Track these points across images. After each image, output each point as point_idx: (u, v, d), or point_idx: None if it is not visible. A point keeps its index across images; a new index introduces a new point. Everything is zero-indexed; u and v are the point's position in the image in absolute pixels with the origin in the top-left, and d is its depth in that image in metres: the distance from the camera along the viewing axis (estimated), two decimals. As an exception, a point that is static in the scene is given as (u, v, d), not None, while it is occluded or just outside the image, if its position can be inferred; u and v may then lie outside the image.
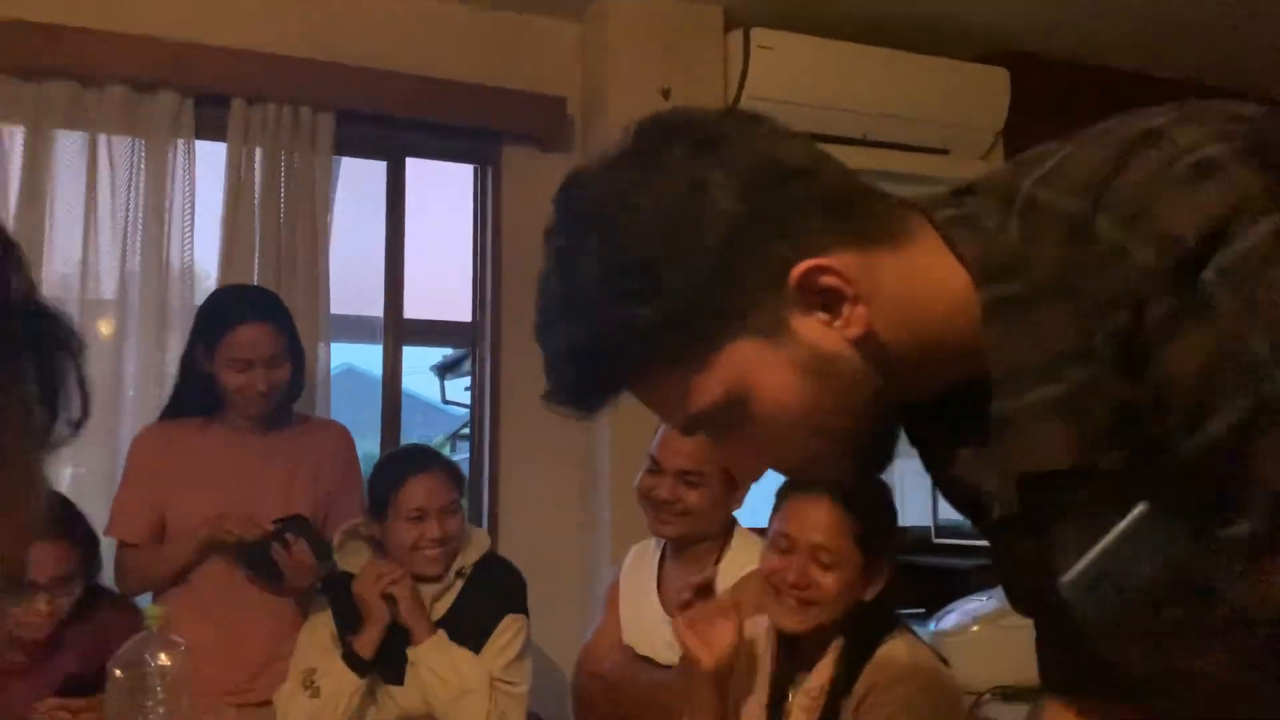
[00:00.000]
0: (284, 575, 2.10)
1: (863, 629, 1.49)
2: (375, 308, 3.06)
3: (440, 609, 2.08)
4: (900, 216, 0.76)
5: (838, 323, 0.72)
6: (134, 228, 2.63)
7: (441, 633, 2.03)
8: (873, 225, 0.74)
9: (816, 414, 0.74)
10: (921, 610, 2.91)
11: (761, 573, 1.55)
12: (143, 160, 2.62)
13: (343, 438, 2.38)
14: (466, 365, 6.62)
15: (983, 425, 0.74)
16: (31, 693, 1.78)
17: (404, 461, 2.14)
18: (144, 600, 2.15)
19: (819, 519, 1.50)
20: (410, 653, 2.00)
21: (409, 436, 3.38)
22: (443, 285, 3.42)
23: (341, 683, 1.98)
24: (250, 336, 2.14)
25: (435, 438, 8.58)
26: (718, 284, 0.72)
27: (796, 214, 0.73)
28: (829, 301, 0.72)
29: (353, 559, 2.12)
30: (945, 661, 1.59)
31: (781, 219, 0.72)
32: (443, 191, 3.31)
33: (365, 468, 2.38)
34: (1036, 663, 0.96)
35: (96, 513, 2.22)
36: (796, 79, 2.95)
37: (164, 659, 1.54)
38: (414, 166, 3.09)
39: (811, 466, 0.82)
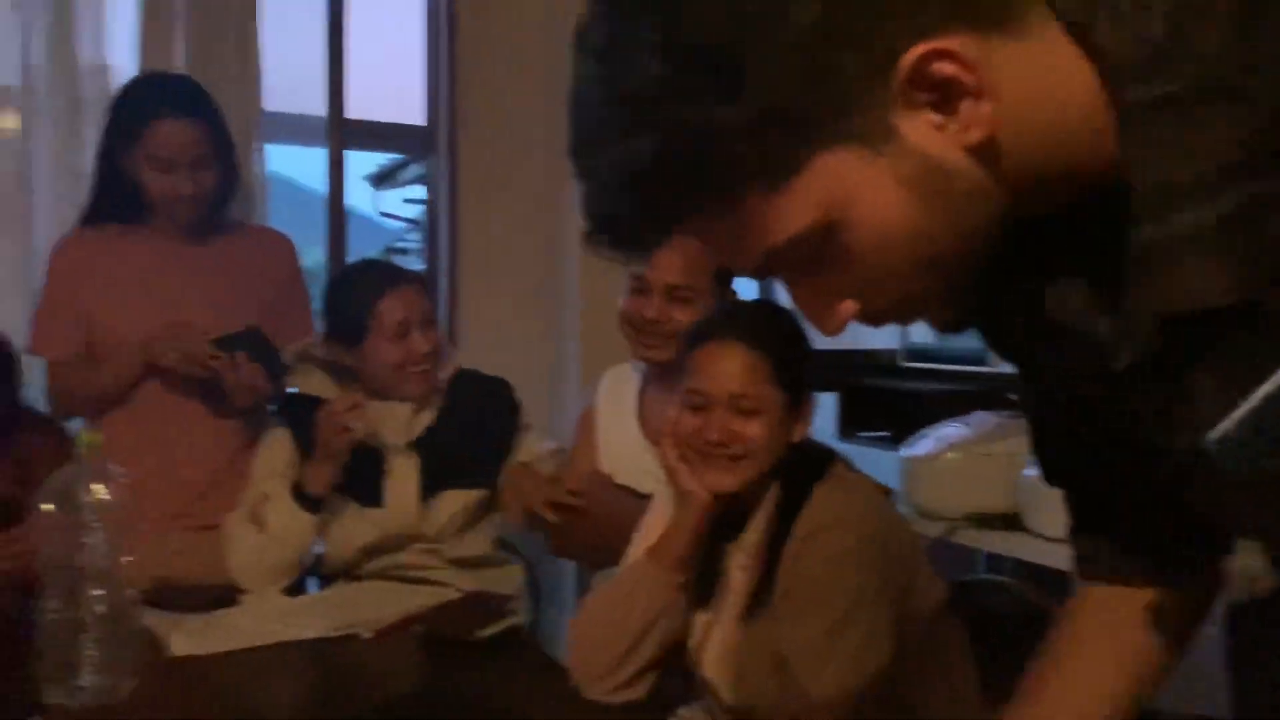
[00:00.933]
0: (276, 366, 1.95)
1: (795, 473, 1.38)
2: (315, 107, 2.78)
3: (419, 427, 1.96)
4: None
5: (954, 125, 0.58)
6: (39, 16, 2.31)
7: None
8: (988, 5, 0.59)
9: (924, 240, 0.60)
10: (887, 434, 2.86)
11: (679, 437, 1.42)
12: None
13: (284, 246, 2.19)
14: (403, 175, 6.34)
15: (1101, 257, 0.61)
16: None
17: (374, 275, 1.96)
18: (77, 426, 1.99)
19: (732, 367, 1.38)
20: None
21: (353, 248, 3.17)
22: (390, 84, 3.13)
23: (292, 519, 1.85)
24: (172, 133, 1.91)
25: (369, 252, 8.31)
26: (809, 77, 0.56)
27: None
28: (942, 99, 0.58)
29: (305, 380, 1.97)
30: (888, 492, 1.51)
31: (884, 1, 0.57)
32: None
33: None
34: (1073, 552, 0.89)
35: (10, 324, 2.02)
36: None
37: (101, 492, 1.38)
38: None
39: (908, 309, 0.67)
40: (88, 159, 2.26)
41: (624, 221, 0.61)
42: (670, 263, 1.74)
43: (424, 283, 2.05)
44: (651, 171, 0.58)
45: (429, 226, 2.97)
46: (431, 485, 1.94)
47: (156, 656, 1.55)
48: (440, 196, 2.90)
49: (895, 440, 2.81)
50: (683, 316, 1.74)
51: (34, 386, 2.00)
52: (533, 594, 2.21)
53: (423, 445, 1.95)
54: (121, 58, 2.46)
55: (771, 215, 0.60)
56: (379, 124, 2.96)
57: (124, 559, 1.42)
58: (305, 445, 1.90)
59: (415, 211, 6.45)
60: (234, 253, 2.09)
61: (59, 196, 2.35)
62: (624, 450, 1.90)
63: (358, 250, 3.31)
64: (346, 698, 1.47)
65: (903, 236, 0.60)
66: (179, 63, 2.44)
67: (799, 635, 1.27)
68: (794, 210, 0.59)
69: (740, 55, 0.55)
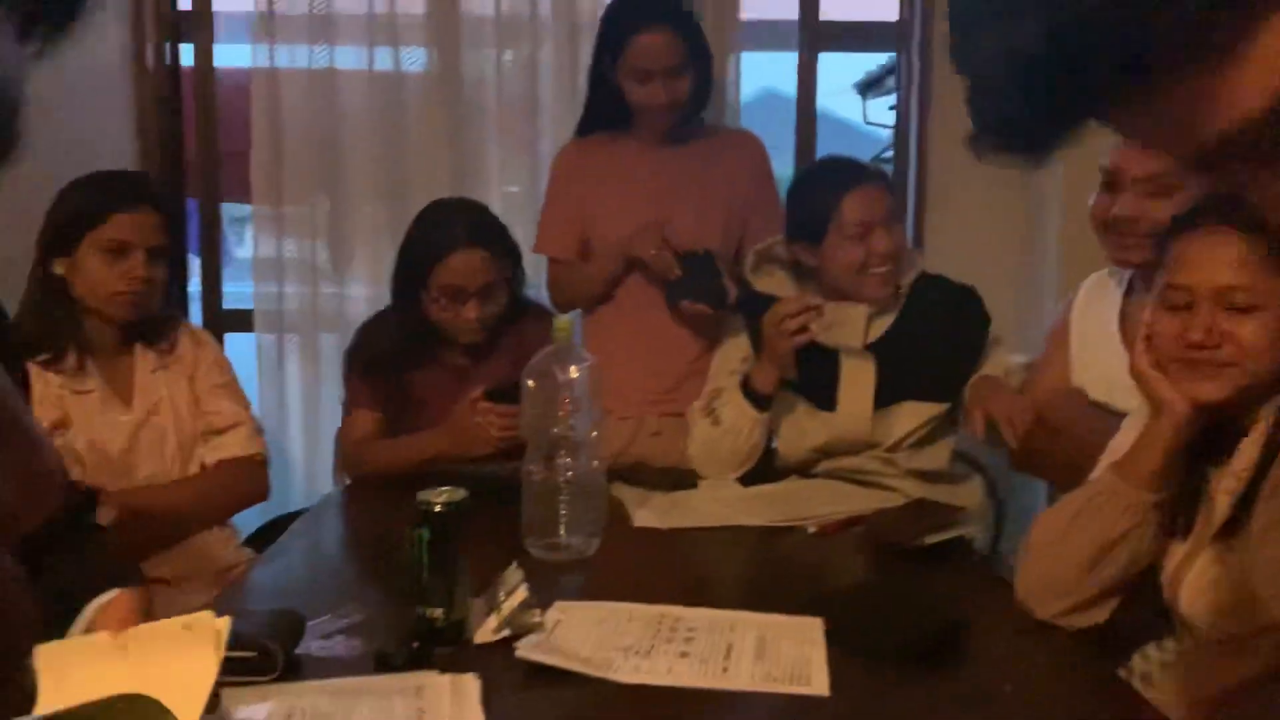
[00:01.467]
0: (715, 296, 2.04)
1: None
2: (790, 11, 2.78)
3: (876, 330, 1.93)
4: None
5: None
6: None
7: None
8: None
9: None
10: None
11: (1154, 341, 1.21)
12: None
13: (755, 148, 2.25)
14: (891, 83, 6.19)
15: None
16: (472, 392, 1.90)
17: (837, 174, 1.94)
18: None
19: (1224, 254, 1.15)
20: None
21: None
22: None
23: (741, 414, 1.91)
24: (649, 45, 2.02)
25: (856, 162, 8.24)
26: None
27: None
28: None
29: (767, 280, 2.01)
30: None
31: None
32: None
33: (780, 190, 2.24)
34: None
35: (524, 228, 2.29)
36: None
37: (572, 371, 1.53)
38: None
39: None
40: (582, 74, 2.48)
41: (1022, 117, 0.49)
42: (1140, 152, 1.51)
43: (889, 182, 1.99)
44: (1058, 53, 0.45)
45: (898, 123, 2.87)
46: (888, 393, 1.90)
47: (620, 525, 1.70)
48: (911, 92, 2.78)
49: None
50: (1160, 213, 1.51)
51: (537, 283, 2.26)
52: (995, 512, 2.10)
53: (880, 349, 1.92)
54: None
55: (1218, 92, 0.45)
56: (851, 23, 2.89)
57: (593, 434, 1.57)
58: (759, 342, 1.94)
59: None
60: (709, 155, 2.19)
61: (561, 113, 2.60)
62: (1101, 365, 1.71)
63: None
64: (782, 586, 1.51)
65: None
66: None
67: (1267, 557, 1.06)
68: (1248, 85, 0.45)
69: None
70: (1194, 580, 1.20)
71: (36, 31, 0.44)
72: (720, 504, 1.84)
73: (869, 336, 1.92)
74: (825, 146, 2.97)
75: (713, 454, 1.95)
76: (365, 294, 2.66)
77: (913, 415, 1.90)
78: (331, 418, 2.37)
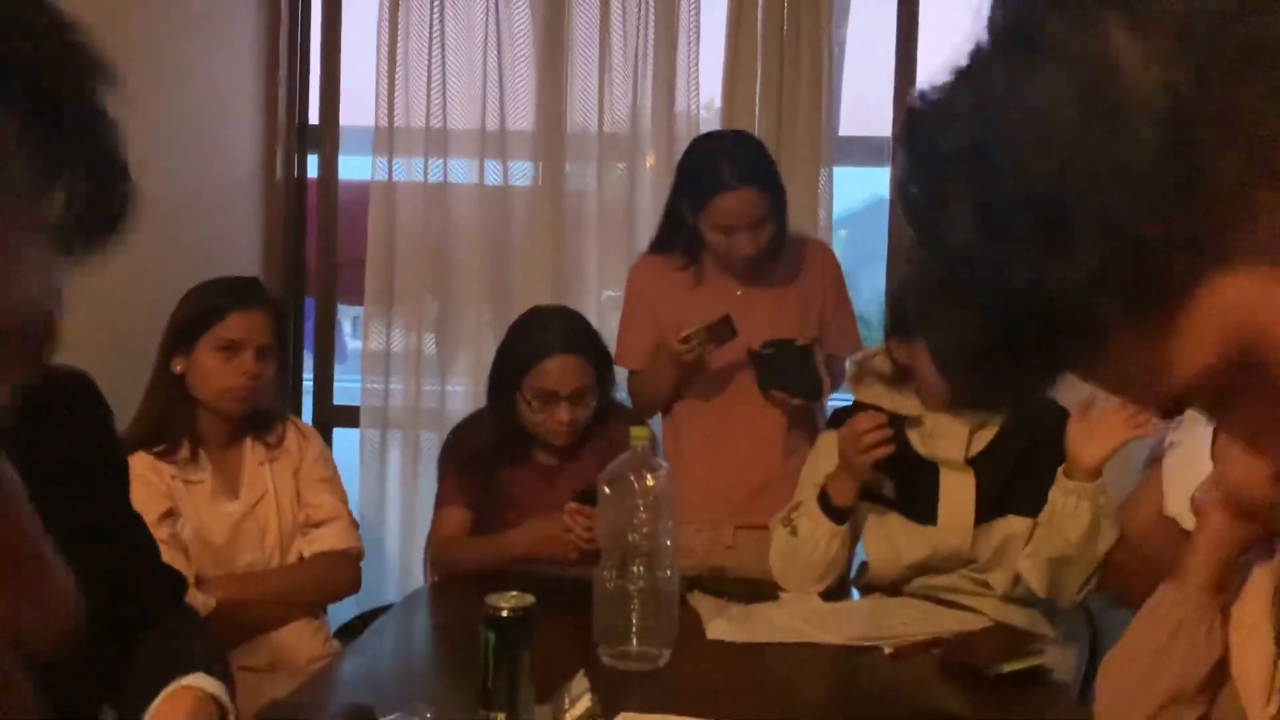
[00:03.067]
0: (808, 388, 2.06)
1: None
2: (883, 128, 2.85)
3: (978, 444, 1.90)
4: None
5: None
6: (644, 64, 2.68)
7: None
8: None
9: None
10: None
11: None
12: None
13: (828, 257, 2.28)
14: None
15: None
16: (560, 493, 1.95)
17: None
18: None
19: None
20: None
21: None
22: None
23: (817, 526, 1.91)
24: (734, 203, 2.06)
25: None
26: (1173, 203, 0.45)
27: (1269, 71, 0.44)
28: None
29: (864, 389, 2.01)
30: None
31: (1246, 84, 0.44)
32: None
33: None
34: None
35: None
36: None
37: (648, 479, 1.56)
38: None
39: None
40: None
41: (991, 386, 0.54)
42: None
43: None
44: (1014, 338, 0.50)
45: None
46: (988, 507, 1.88)
47: (694, 636, 1.71)
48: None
49: None
50: None
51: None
52: (1090, 642, 2.03)
53: (980, 463, 1.90)
54: (710, 96, 2.75)
55: (1166, 356, 0.49)
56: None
57: (668, 543, 1.59)
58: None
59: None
60: (784, 275, 2.21)
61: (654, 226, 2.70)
62: (1190, 489, 1.66)
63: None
64: (855, 708, 1.49)
65: None
66: (757, 105, 2.65)
67: None
68: (1191, 349, 0.48)
69: (1084, 196, 0.46)
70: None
71: (78, 243, 0.50)
72: (797, 618, 1.82)
73: (970, 450, 1.90)
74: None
75: (790, 566, 1.95)
76: (465, 392, 2.77)
77: (1011, 528, 1.86)
78: (427, 513, 2.44)
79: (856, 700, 1.54)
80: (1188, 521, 1.66)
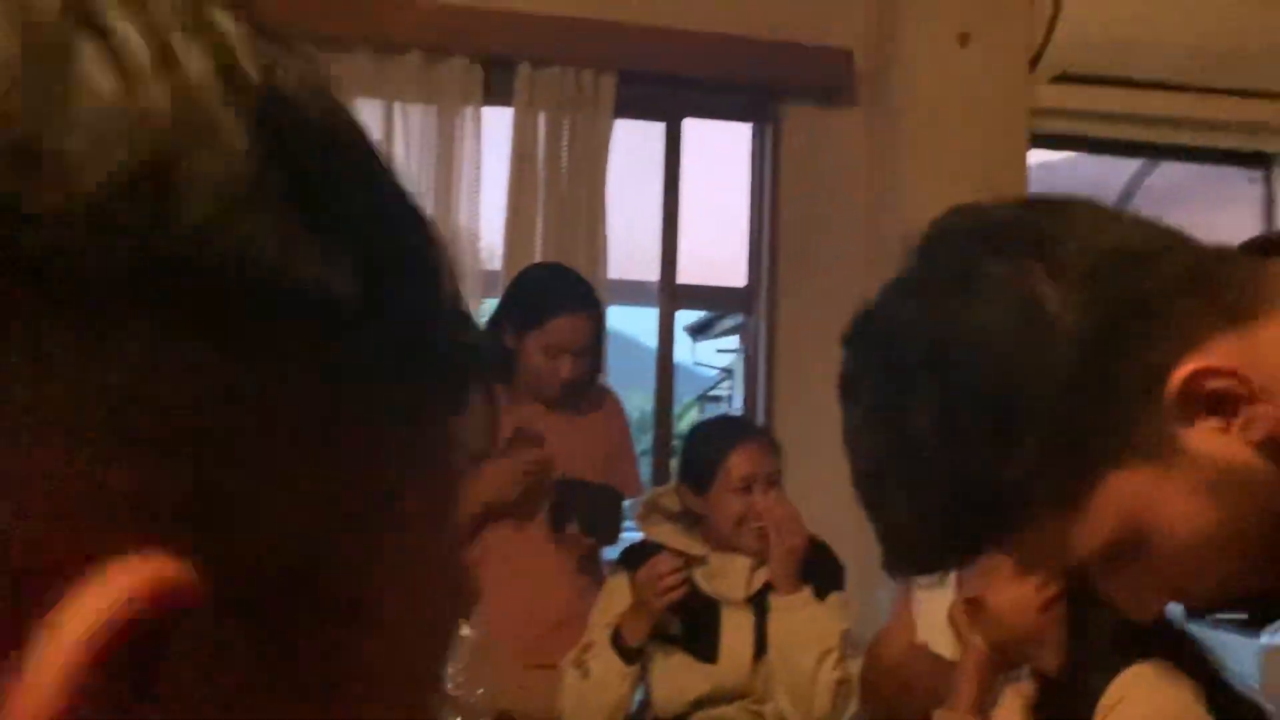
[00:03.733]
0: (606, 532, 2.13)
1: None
2: (649, 273, 3.02)
3: (756, 583, 2.01)
4: (1264, 274, 0.61)
5: (1235, 428, 0.59)
6: (430, 191, 2.71)
7: (807, 589, 1.96)
8: (1239, 296, 0.60)
9: (1234, 536, 0.61)
10: (1244, 618, 2.57)
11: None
12: (434, 127, 2.69)
13: (618, 410, 2.38)
14: (718, 327, 6.65)
15: None
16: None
17: (726, 431, 2.08)
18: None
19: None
20: (773, 600, 1.95)
21: (679, 397, 3.35)
22: (716, 249, 3.34)
23: (609, 668, 1.94)
24: (569, 327, 2.13)
25: (686, 398, 8.77)
26: (1085, 415, 0.59)
27: (1155, 310, 0.59)
28: (1218, 404, 0.58)
29: (653, 529, 2.09)
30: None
31: (1140, 321, 0.59)
32: (720, 150, 3.22)
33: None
34: None
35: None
36: (1118, 13, 2.62)
37: (464, 629, 1.54)
38: (691, 127, 3.01)
39: (1228, 587, 0.66)
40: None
41: (922, 558, 0.66)
42: None
43: (775, 442, 2.11)
44: (945, 520, 0.61)
45: (747, 384, 3.10)
46: (765, 643, 1.97)
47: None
48: (759, 352, 3.03)
49: (1256, 625, 2.53)
50: None
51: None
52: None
53: (759, 601, 1.99)
54: (491, 230, 2.82)
55: (1071, 534, 0.61)
56: (704, 286, 3.16)
57: (478, 690, 1.57)
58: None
59: (727, 360, 6.73)
60: (577, 415, 2.27)
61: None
62: (938, 617, 1.86)
63: (676, 398, 3.55)
64: None
65: (1209, 537, 0.60)
66: (538, 234, 2.75)
67: None
68: (1091, 530, 0.61)
69: (1010, 409, 0.58)
70: None
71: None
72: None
73: (750, 589, 2.00)
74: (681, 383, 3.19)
75: (582, 708, 1.95)
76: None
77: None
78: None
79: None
80: (938, 647, 1.86)
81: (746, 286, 3.09)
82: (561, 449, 2.23)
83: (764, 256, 3.01)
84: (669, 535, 2.07)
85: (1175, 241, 0.62)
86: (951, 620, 1.47)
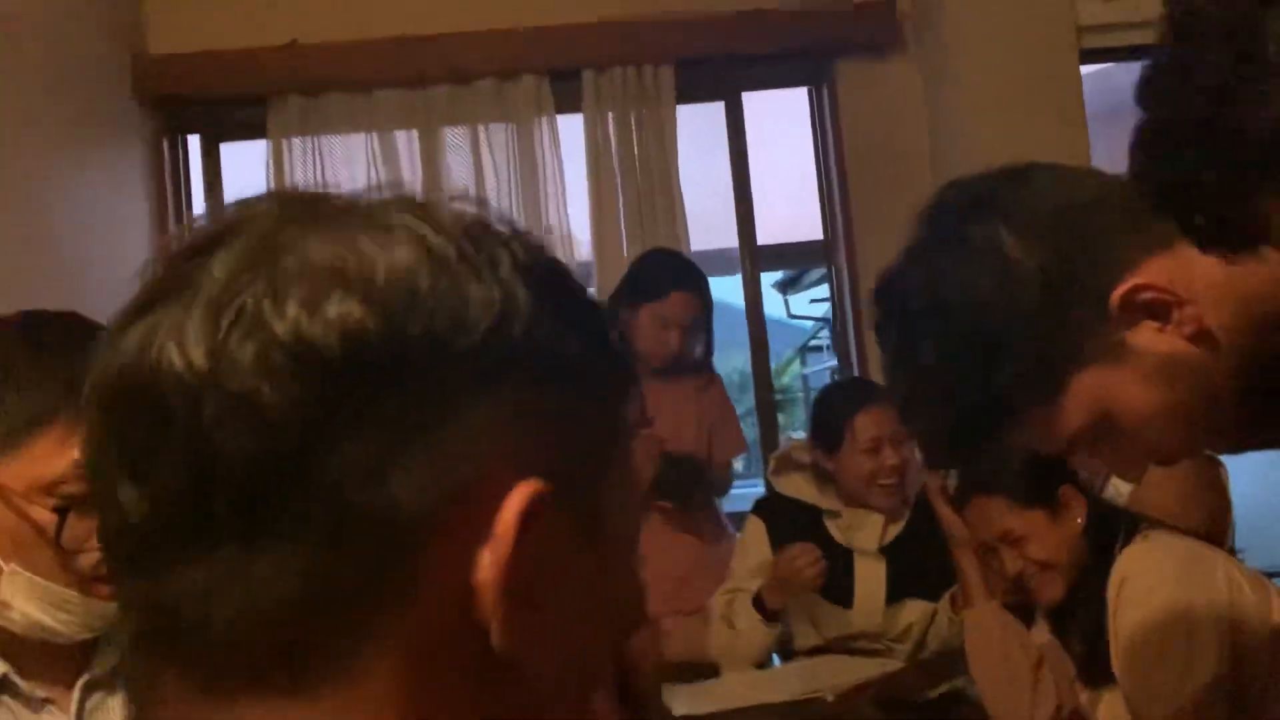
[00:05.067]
0: (693, 497, 2.35)
1: (1095, 554, 1.47)
2: (731, 239, 3.22)
3: (889, 535, 2.16)
4: None
5: (1169, 327, 0.76)
6: (516, 202, 2.95)
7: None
8: (1166, 225, 0.74)
9: (1180, 409, 0.78)
10: None
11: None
12: (515, 141, 2.93)
13: (717, 382, 2.59)
14: (807, 279, 6.75)
15: None
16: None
17: (852, 392, 2.24)
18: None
19: (990, 512, 1.56)
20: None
21: (774, 353, 3.54)
22: (792, 208, 3.51)
23: (753, 626, 2.11)
24: (683, 302, 2.39)
25: (786, 352, 8.89)
26: (1049, 334, 0.77)
27: (1096, 244, 0.77)
28: (1155, 311, 0.76)
29: (786, 481, 2.25)
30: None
31: (1084, 255, 0.77)
32: (780, 116, 3.38)
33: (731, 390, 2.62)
34: None
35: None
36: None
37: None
38: (750, 100, 3.18)
39: (1191, 448, 0.85)
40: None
41: (949, 452, 0.89)
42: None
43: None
44: (956, 425, 0.83)
45: (836, 333, 3.27)
46: (897, 591, 2.12)
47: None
48: (845, 301, 3.20)
49: None
50: None
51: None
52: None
53: (891, 552, 2.14)
54: (579, 226, 3.05)
55: (1054, 422, 0.81)
56: (784, 245, 3.34)
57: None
58: (779, 542, 2.16)
59: (822, 309, 6.85)
60: (687, 391, 2.50)
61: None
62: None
63: (774, 351, 3.72)
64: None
65: (1161, 414, 0.78)
66: (621, 223, 2.97)
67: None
68: (1069, 417, 0.80)
69: (992, 340, 0.78)
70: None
71: None
72: (745, 685, 2.06)
73: (883, 540, 2.15)
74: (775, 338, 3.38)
75: (732, 654, 2.15)
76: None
77: (915, 611, 2.12)
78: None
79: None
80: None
81: (824, 240, 3.26)
82: (666, 419, 2.46)
83: (837, 208, 3.17)
84: (801, 488, 2.23)
85: (1115, 187, 0.80)
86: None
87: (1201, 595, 1.34)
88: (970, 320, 0.79)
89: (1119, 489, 1.82)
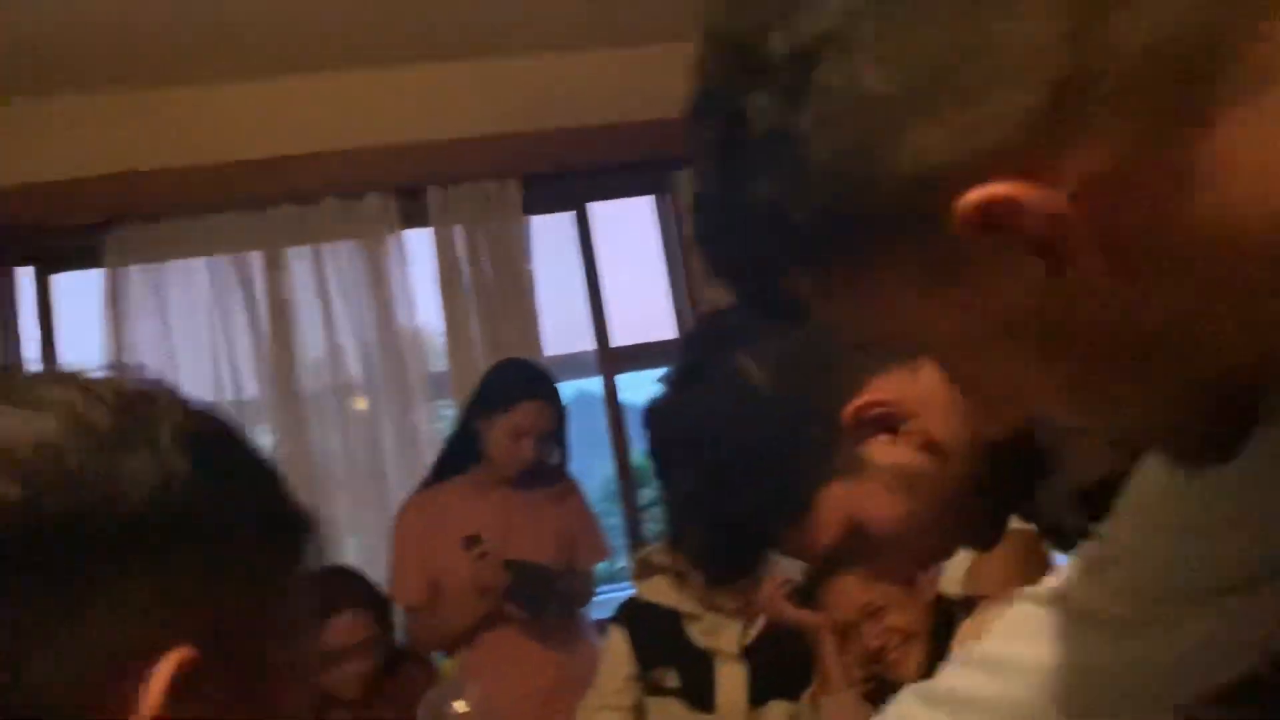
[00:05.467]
0: (547, 606, 2.32)
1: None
2: (589, 342, 3.26)
3: (750, 636, 2.13)
4: None
5: (900, 439, 0.81)
6: (368, 316, 2.95)
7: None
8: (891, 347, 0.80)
9: (922, 515, 0.83)
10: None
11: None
12: (363, 259, 2.94)
13: (573, 486, 2.61)
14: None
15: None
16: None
17: None
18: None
19: (848, 588, 1.61)
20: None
21: (636, 451, 3.56)
22: (646, 309, 3.59)
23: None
24: (533, 412, 2.40)
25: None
26: (793, 455, 0.82)
27: (830, 364, 0.82)
28: (887, 425, 0.81)
29: (647, 586, 2.23)
30: None
31: (821, 376, 0.82)
32: (629, 222, 3.48)
33: (597, 491, 2.60)
34: None
35: (379, 573, 2.51)
36: None
37: (461, 705, 1.74)
38: (598, 210, 3.27)
39: (945, 550, 0.91)
40: (420, 427, 2.82)
41: (722, 570, 0.92)
42: None
43: None
44: (723, 548, 0.88)
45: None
46: (760, 693, 2.10)
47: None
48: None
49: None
50: None
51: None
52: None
53: (752, 653, 2.12)
54: (435, 335, 3.05)
55: (810, 536, 0.85)
56: (639, 345, 3.40)
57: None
58: (643, 652, 2.14)
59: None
60: (541, 499, 2.51)
61: (404, 461, 2.91)
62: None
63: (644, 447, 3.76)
64: None
65: (905, 520, 0.83)
66: (474, 330, 2.99)
67: None
68: (823, 530, 0.85)
69: (743, 467, 0.82)
70: None
71: None
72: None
73: (743, 642, 2.12)
74: (639, 439, 3.40)
75: None
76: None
77: (780, 713, 2.09)
78: None
79: None
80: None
81: (678, 337, 3.33)
82: (523, 530, 2.46)
83: (686, 309, 3.26)
84: (662, 591, 2.21)
85: None
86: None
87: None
88: (718, 447, 0.82)
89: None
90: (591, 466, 3.80)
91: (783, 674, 2.10)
